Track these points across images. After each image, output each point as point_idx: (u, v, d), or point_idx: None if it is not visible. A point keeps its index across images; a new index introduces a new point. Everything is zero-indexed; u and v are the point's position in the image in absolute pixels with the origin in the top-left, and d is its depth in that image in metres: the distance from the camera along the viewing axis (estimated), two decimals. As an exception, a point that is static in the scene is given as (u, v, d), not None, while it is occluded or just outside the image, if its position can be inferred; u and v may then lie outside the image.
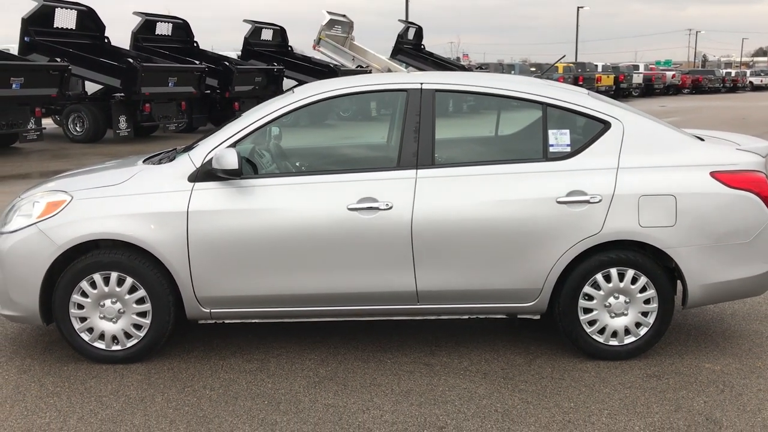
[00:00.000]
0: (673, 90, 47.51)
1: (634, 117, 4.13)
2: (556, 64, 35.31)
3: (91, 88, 17.89)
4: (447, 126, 4.26)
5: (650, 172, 3.98)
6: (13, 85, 13.76)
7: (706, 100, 39.51)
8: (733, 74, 56.04)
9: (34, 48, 15.80)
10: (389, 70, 24.45)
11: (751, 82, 57.53)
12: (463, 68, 31.61)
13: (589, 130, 4.10)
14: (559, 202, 3.93)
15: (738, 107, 31.19)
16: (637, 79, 43.17)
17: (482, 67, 35.57)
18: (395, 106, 4.65)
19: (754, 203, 4.00)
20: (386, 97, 4.37)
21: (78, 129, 17.05)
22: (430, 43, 30.45)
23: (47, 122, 18.22)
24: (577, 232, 3.93)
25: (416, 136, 4.05)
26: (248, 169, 4.11)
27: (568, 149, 4.05)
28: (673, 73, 49.56)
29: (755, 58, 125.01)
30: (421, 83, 4.15)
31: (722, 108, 30.69)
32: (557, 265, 3.97)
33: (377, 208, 3.92)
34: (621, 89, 40.47)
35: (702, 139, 4.34)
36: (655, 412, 3.52)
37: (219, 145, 4.05)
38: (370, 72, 23.76)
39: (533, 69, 36.62)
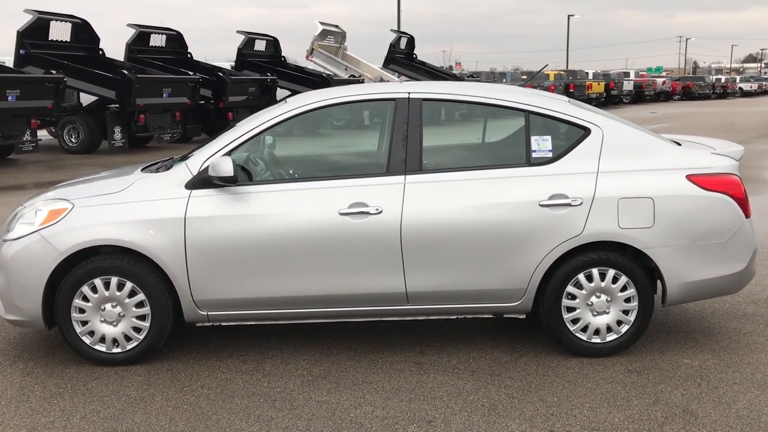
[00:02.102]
0: (663, 96, 47.93)
1: (613, 123, 4.31)
2: (545, 73, 35.63)
3: (86, 99, 18.04)
4: (434, 133, 4.43)
5: (629, 176, 4.15)
6: (9, 98, 13.90)
7: (696, 106, 39.87)
8: (723, 80, 56.53)
9: (30, 60, 15.95)
10: (381, 80, 24.68)
11: (740, 88, 58.03)
12: (455, 77, 31.86)
13: (570, 136, 4.28)
14: (541, 206, 4.10)
15: (727, 113, 31.52)
16: (628, 86, 43.52)
17: (474, 76, 35.84)
18: (385, 114, 4.82)
19: (728, 205, 4.17)
20: (376, 107, 4.53)
21: (73, 140, 17.18)
22: (422, 53, 30.79)
23: (43, 134, 18.34)
24: (559, 234, 4.10)
25: (404, 144, 4.21)
26: (243, 176, 4.27)
27: (550, 155, 4.22)
28: (664, 79, 49.98)
29: (745, 65, 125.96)
30: (409, 93, 4.33)
31: (712, 114, 31.01)
32: (541, 266, 4.14)
33: (367, 213, 4.09)
34: (612, 96, 40.81)
35: (679, 144, 4.51)
36: (634, 405, 3.68)
37: (215, 154, 4.21)
38: (362, 81, 23.98)
39: (524, 77, 36.90)
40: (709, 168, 4.22)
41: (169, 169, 4.34)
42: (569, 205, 4.10)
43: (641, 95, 44.98)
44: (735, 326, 4.80)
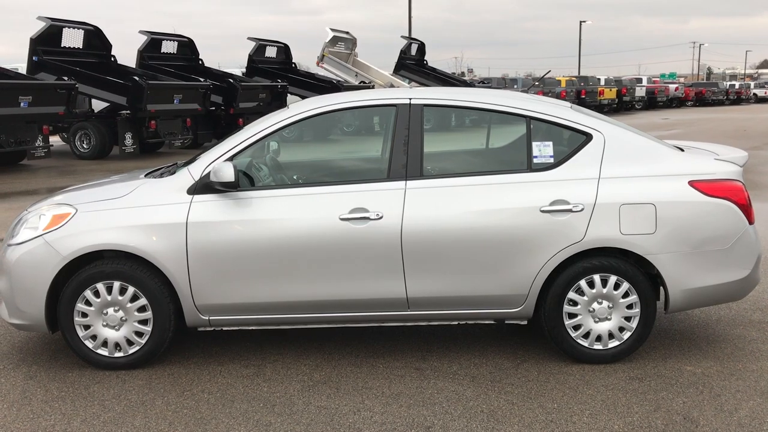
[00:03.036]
0: (676, 103, 47.67)
1: (615, 129, 4.30)
2: (557, 79, 35.54)
3: (97, 105, 18.18)
4: (436, 139, 4.43)
5: (630, 182, 4.13)
6: (22, 104, 14.04)
7: (709, 112, 39.64)
8: (736, 86, 56.14)
9: (42, 67, 16.10)
10: (392, 86, 24.72)
11: (755, 94, 57.65)
12: (465, 83, 31.85)
13: (572, 142, 4.27)
14: (542, 211, 4.09)
15: (740, 119, 31.31)
16: (640, 92, 43.32)
17: (484, 82, 35.80)
18: (387, 120, 4.83)
19: (731, 211, 4.15)
20: (378, 112, 4.54)
21: (85, 146, 17.31)
22: (434, 59, 30.84)
23: (54, 139, 18.49)
24: (560, 240, 4.09)
25: (405, 149, 4.22)
26: (245, 181, 4.29)
27: (552, 160, 4.21)
28: (677, 85, 49.73)
29: (760, 70, 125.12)
30: (410, 98, 4.34)
31: (724, 120, 30.82)
32: (542, 272, 4.12)
33: (368, 218, 4.09)
34: (624, 102, 40.63)
35: (682, 150, 4.49)
36: (635, 412, 3.65)
37: (217, 159, 4.23)
38: (372, 88, 24.03)
39: (536, 83, 36.85)
40: (712, 174, 4.19)
41: (172, 174, 4.37)
42: (570, 211, 4.08)
43: (654, 101, 44.76)
44: (739, 333, 4.76)
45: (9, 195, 11.66)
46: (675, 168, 4.20)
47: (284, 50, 23.52)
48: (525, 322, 4.35)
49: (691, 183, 4.14)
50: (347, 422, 3.59)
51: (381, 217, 4.09)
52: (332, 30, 25.29)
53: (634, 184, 4.13)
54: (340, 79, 24.57)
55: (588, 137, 4.24)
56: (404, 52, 28.34)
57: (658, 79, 61.84)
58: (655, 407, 3.70)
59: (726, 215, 4.14)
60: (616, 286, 4.17)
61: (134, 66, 18.42)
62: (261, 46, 22.44)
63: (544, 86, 32.24)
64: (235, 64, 25.04)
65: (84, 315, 4.21)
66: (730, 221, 4.15)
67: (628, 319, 4.21)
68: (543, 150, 4.23)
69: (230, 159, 4.23)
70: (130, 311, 4.21)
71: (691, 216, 4.11)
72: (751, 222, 4.21)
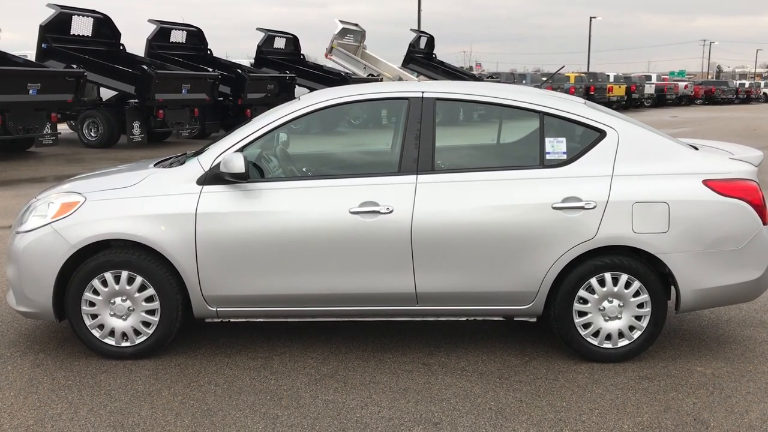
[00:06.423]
0: (685, 101, 47.45)
1: (629, 126, 4.25)
2: (566, 75, 35.39)
3: (105, 94, 18.18)
4: (448, 133, 4.40)
5: (644, 180, 4.09)
6: (30, 91, 14.04)
7: (718, 111, 39.44)
8: (746, 85, 55.84)
9: (51, 54, 16.09)
10: (400, 79, 24.65)
11: (765, 93, 57.31)
12: (474, 78, 31.74)
13: (585, 139, 4.23)
14: (554, 208, 4.05)
15: (749, 118, 31.14)
16: (649, 89, 43.13)
17: (493, 77, 35.68)
18: (399, 113, 4.79)
19: (745, 211, 4.10)
20: (389, 105, 4.50)
21: (92, 134, 17.31)
22: (442, 53, 30.76)
23: (62, 127, 18.49)
24: (572, 238, 4.05)
25: (417, 143, 4.18)
26: (255, 173, 4.27)
27: (564, 157, 4.17)
28: (686, 83, 49.50)
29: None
30: (423, 92, 4.30)
31: (733, 119, 30.65)
32: (553, 269, 4.09)
33: (378, 212, 4.06)
34: (633, 99, 40.44)
35: (696, 148, 4.45)
36: (644, 412, 3.62)
37: (227, 150, 4.20)
38: (381, 80, 23.96)
39: (545, 78, 36.70)
40: (727, 173, 4.14)
41: (182, 164, 4.35)
42: (583, 208, 4.04)
43: (663, 99, 44.55)
44: (750, 334, 4.72)
45: (17, 182, 11.67)
46: (689, 167, 4.15)
47: (293, 41, 23.47)
48: (534, 320, 4.32)
49: (706, 182, 4.10)
50: (354, 417, 3.57)
51: (391, 211, 4.06)
52: (341, 22, 25.20)
53: (648, 182, 4.08)
54: (348, 71, 24.50)
55: (602, 134, 4.20)
56: (413, 46, 28.23)
57: (667, 76, 61.52)
58: (665, 407, 3.67)
59: (740, 215, 4.09)
60: (627, 285, 4.13)
61: (143, 55, 18.40)
62: (270, 37, 22.38)
63: (552, 82, 32.09)
64: (244, 55, 25.00)
65: (91, 304, 4.19)
66: (744, 221, 4.10)
67: (638, 318, 4.18)
68: (556, 146, 4.19)
69: (240, 150, 4.20)
70: (137, 301, 4.19)
71: (704, 215, 4.06)
72: (765, 222, 4.16)
